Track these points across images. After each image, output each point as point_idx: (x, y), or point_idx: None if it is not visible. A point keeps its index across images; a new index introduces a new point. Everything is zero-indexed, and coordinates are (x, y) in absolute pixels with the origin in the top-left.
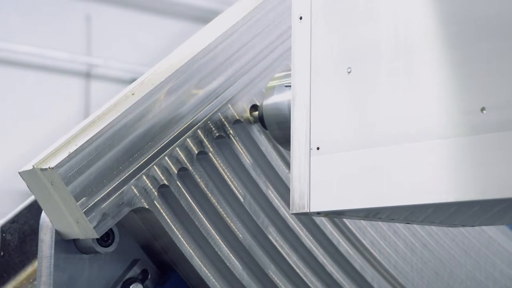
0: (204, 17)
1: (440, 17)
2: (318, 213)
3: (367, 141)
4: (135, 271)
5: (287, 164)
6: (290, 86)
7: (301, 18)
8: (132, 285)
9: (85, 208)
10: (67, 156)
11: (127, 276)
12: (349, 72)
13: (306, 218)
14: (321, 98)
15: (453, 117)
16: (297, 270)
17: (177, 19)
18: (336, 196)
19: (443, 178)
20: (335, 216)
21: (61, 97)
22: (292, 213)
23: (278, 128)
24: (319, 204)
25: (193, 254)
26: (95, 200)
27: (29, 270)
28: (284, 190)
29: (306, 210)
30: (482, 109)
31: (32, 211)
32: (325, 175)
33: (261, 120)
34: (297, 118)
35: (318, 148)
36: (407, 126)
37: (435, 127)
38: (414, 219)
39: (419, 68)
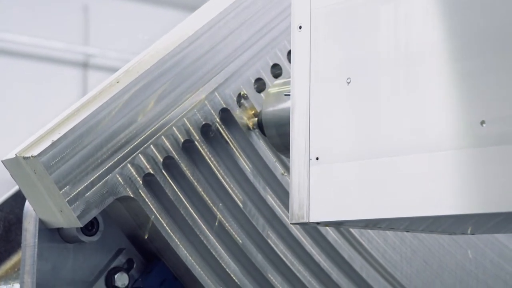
0: None
1: (442, 30)
2: (318, 223)
3: (367, 152)
4: (120, 260)
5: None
6: (289, 94)
7: (300, 27)
8: (117, 274)
9: (68, 197)
10: (50, 145)
11: (112, 265)
12: (349, 83)
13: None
14: (320, 108)
15: (453, 130)
16: (275, 249)
17: (174, 8)
18: (336, 206)
19: (442, 191)
20: (334, 225)
21: (58, 87)
22: (291, 223)
23: (278, 135)
24: (318, 214)
25: (179, 243)
26: (79, 189)
27: (14, 259)
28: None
29: (305, 220)
30: (482, 122)
31: (18, 200)
32: (324, 185)
33: (260, 127)
34: (296, 127)
35: (317, 158)
36: (408, 138)
37: (435, 139)
38: (414, 228)
39: (420, 80)
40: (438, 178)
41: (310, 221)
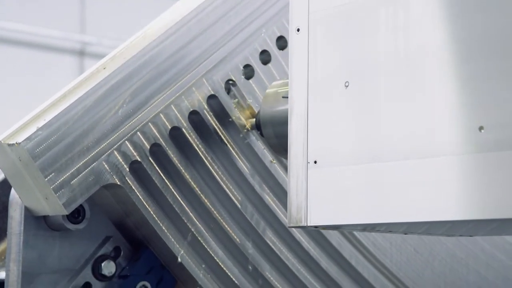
0: None
1: (441, 34)
2: (316, 227)
3: (365, 157)
4: (107, 248)
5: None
6: (287, 97)
7: (298, 30)
8: (104, 262)
9: (54, 184)
10: (35, 131)
11: (99, 253)
12: (347, 86)
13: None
14: (318, 111)
15: (451, 135)
16: (257, 230)
17: None
18: (334, 210)
19: (440, 196)
20: (332, 229)
21: (55, 75)
22: (289, 227)
23: (275, 136)
24: (316, 218)
25: (166, 231)
26: (64, 176)
27: (1, 247)
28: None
29: (303, 224)
30: (481, 128)
31: (4, 188)
32: (322, 189)
33: (258, 128)
34: (294, 130)
35: (315, 162)
36: (406, 143)
37: (433, 145)
38: (412, 231)
39: (418, 84)
40: (436, 183)
41: (308, 224)
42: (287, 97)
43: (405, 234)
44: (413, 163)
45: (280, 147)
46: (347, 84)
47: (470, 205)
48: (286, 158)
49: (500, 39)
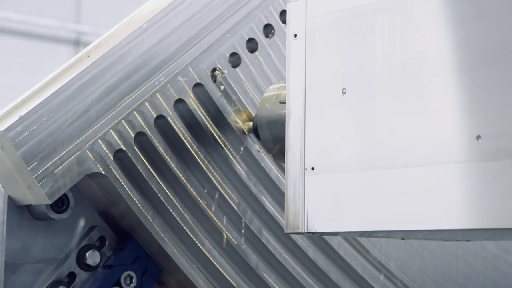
0: None
1: (439, 42)
2: (313, 233)
3: (362, 164)
4: (92, 238)
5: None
6: (284, 102)
7: (295, 35)
8: (89, 252)
9: (36, 173)
10: (18, 119)
11: (83, 243)
12: (344, 93)
13: None
14: (316, 118)
15: (449, 144)
16: (242, 218)
17: None
18: (331, 217)
19: (438, 205)
20: (330, 235)
21: (50, 65)
22: (286, 233)
23: (272, 140)
24: (313, 225)
25: (151, 220)
26: (47, 165)
27: None
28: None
29: (300, 230)
30: (478, 137)
31: None
32: (319, 195)
33: (255, 131)
34: (291, 137)
35: (312, 168)
36: (404, 151)
37: (431, 153)
38: (410, 237)
39: (416, 92)
40: (434, 191)
41: (305, 231)
42: (285, 103)
43: (403, 239)
44: (411, 171)
45: (277, 151)
46: (344, 91)
47: (467, 214)
48: (283, 163)
49: (499, 48)
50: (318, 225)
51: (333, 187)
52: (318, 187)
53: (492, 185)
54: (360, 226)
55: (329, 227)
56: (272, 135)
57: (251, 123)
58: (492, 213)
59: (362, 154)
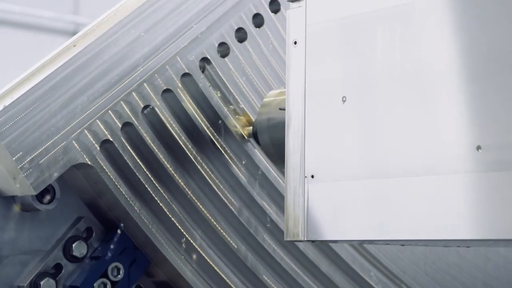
0: None
1: (440, 50)
2: (313, 241)
3: (362, 172)
4: (79, 229)
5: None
6: (284, 109)
7: (295, 42)
8: (75, 243)
9: (21, 163)
10: (2, 110)
11: (70, 234)
12: (344, 101)
13: None
14: (316, 126)
15: (449, 154)
16: (231, 210)
17: None
18: (331, 226)
19: (438, 214)
20: (330, 242)
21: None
22: (286, 240)
23: (272, 145)
24: (313, 233)
25: (138, 211)
26: (33, 156)
27: None
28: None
29: (300, 238)
30: (478, 147)
31: None
32: (319, 203)
33: (255, 136)
34: (291, 144)
35: (312, 176)
36: (404, 160)
37: (431, 163)
38: (410, 244)
39: (416, 101)
40: (434, 201)
41: (305, 239)
42: (284, 109)
43: (402, 245)
44: (412, 180)
45: (276, 156)
46: (344, 99)
47: (468, 225)
48: (283, 168)
49: (499, 59)
50: (318, 233)
51: (333, 195)
52: (318, 195)
53: (492, 195)
54: (360, 235)
55: (329, 235)
56: (271, 140)
57: (250, 128)
58: (492, 224)
59: (362, 162)
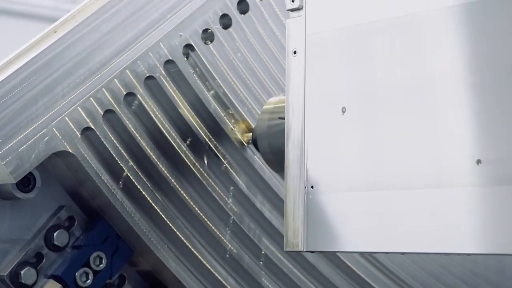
0: None
1: (441, 62)
2: (312, 252)
3: (362, 184)
4: (60, 218)
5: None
6: (283, 118)
7: (295, 52)
8: (57, 232)
9: (0, 151)
10: None
11: (51, 223)
12: (344, 112)
13: None
14: (315, 136)
15: (448, 167)
16: (219, 202)
17: None
18: (330, 237)
19: (437, 228)
20: (330, 253)
21: None
22: (285, 250)
23: (271, 152)
24: (312, 244)
25: (120, 200)
26: (11, 143)
27: None
28: None
29: (300, 248)
30: (478, 161)
31: None
32: (319, 214)
33: (254, 143)
34: (291, 155)
35: (312, 187)
36: (403, 172)
37: (431, 176)
38: (412, 254)
39: (416, 112)
40: (434, 214)
41: (304, 250)
42: (283, 118)
43: (403, 254)
44: (412, 193)
45: (276, 163)
46: (344, 109)
47: (467, 238)
48: (282, 174)
49: (502, 72)
50: (317, 244)
51: (333, 206)
52: (318, 206)
53: (492, 210)
54: (360, 247)
55: (329, 246)
56: (270, 148)
57: (250, 134)
58: (492, 238)
59: (362, 174)
